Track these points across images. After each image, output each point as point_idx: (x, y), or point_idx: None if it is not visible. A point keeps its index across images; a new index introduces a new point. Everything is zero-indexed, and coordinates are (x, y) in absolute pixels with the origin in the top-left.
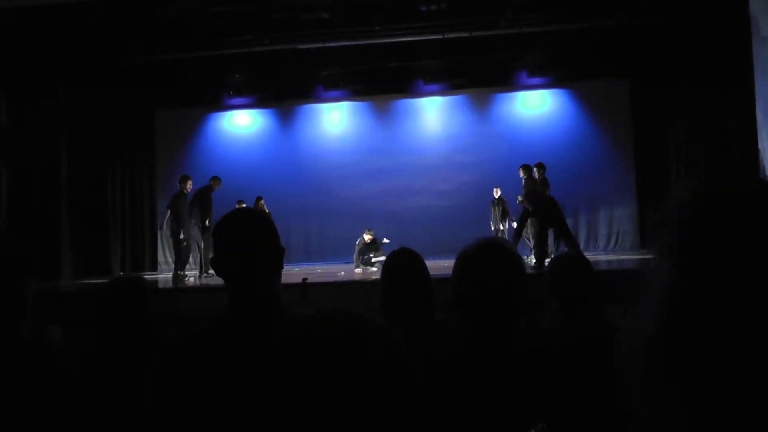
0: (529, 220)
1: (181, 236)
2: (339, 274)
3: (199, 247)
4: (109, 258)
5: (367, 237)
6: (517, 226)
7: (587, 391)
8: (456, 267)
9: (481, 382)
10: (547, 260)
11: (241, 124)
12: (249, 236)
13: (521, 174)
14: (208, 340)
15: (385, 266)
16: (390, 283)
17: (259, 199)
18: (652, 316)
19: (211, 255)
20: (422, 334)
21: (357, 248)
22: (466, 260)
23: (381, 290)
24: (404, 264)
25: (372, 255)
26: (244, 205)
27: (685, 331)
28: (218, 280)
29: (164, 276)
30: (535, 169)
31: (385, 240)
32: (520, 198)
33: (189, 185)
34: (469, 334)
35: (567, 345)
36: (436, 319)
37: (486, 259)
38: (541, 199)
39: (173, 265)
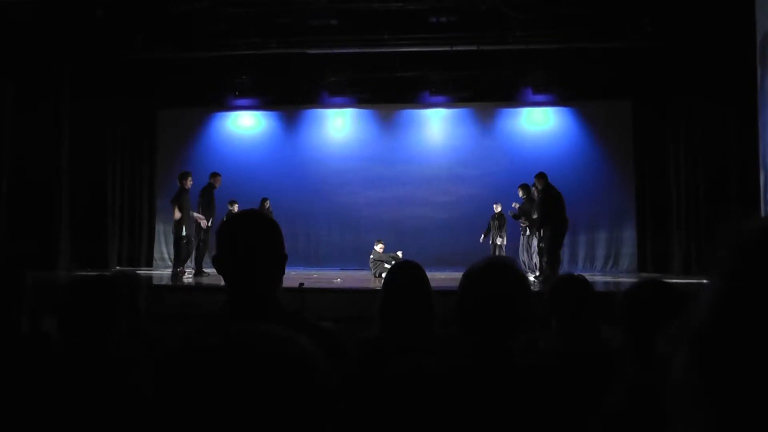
0: (522, 238)
1: (183, 233)
2: (335, 280)
3: (197, 246)
4: (106, 252)
5: (378, 247)
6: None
7: (586, 409)
8: (462, 282)
9: (481, 397)
10: (533, 277)
11: (244, 125)
12: (253, 238)
13: (520, 194)
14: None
15: (387, 277)
16: (391, 294)
17: (264, 200)
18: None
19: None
20: (421, 346)
21: (372, 259)
22: (472, 276)
23: (382, 300)
24: (407, 276)
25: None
26: (236, 206)
27: (725, 341)
28: (213, 280)
29: (159, 272)
30: (535, 181)
31: (399, 253)
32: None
33: (189, 182)
34: (471, 349)
35: (567, 364)
36: (436, 333)
37: (492, 275)
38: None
39: (170, 262)
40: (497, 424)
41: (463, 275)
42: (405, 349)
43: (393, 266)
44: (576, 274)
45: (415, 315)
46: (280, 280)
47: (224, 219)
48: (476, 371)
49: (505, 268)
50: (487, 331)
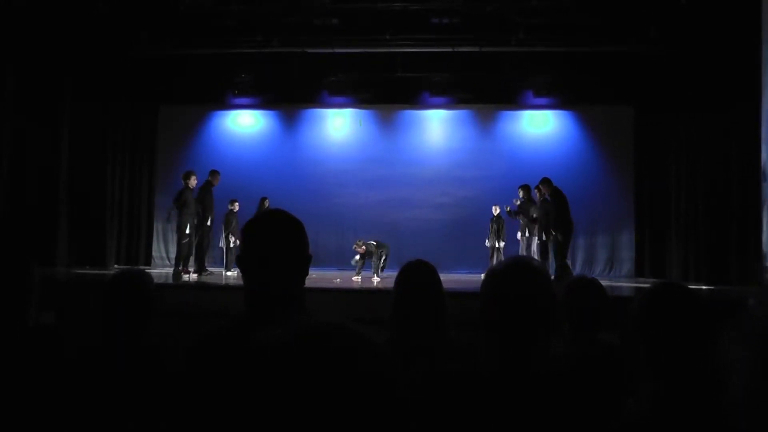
0: (522, 241)
1: (187, 231)
2: (335, 281)
3: (200, 244)
4: (104, 249)
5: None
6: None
7: (605, 418)
8: (484, 284)
9: (504, 401)
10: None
11: (244, 123)
12: (279, 238)
13: (521, 195)
14: (222, 340)
15: (399, 278)
16: (403, 296)
17: (264, 199)
18: None
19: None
20: (435, 349)
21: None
22: (495, 278)
23: (393, 302)
24: (419, 277)
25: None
26: (237, 204)
27: None
28: (215, 279)
29: (157, 271)
30: (540, 187)
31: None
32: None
33: (193, 180)
34: (493, 352)
35: (585, 371)
36: (449, 336)
37: (516, 277)
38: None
39: (171, 261)
40: (519, 430)
41: (485, 276)
42: (419, 351)
43: (405, 266)
44: (590, 277)
45: (429, 317)
46: (303, 281)
47: (252, 219)
48: (498, 375)
49: (528, 269)
50: (509, 334)
